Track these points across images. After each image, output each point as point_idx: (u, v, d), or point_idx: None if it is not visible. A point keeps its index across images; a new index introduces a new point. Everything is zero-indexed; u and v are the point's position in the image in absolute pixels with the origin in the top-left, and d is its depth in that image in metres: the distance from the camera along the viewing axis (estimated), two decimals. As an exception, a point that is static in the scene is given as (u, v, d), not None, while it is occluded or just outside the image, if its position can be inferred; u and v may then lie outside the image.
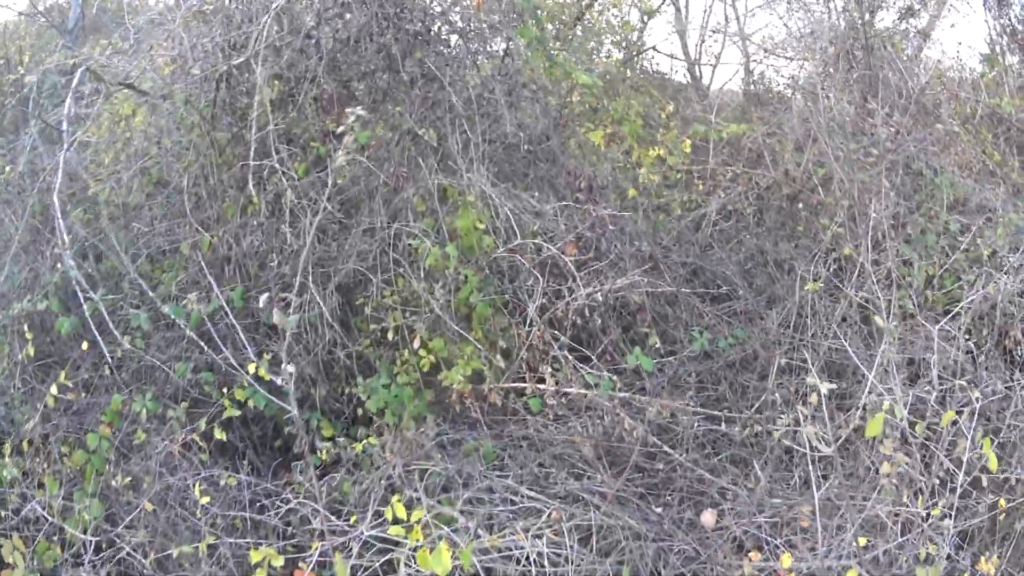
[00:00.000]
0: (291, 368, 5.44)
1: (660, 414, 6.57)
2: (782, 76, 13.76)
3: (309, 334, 7.10)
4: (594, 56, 13.65)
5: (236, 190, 7.53)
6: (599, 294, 6.71)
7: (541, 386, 6.72)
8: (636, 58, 13.75)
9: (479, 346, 6.96)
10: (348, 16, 7.44)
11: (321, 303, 6.97)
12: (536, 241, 7.09)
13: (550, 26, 12.32)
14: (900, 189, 8.36)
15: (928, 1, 12.93)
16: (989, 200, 8.76)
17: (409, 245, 7.17)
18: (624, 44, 13.89)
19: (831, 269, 7.95)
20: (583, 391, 6.63)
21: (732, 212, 9.35)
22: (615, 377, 6.83)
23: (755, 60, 14.36)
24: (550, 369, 6.78)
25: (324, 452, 6.55)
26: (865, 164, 8.43)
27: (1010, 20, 12.47)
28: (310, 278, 6.88)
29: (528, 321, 6.92)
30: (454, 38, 7.97)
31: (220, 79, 7.38)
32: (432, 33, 7.75)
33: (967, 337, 7.02)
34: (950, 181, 8.78)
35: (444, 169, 7.53)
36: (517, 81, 8.15)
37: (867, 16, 10.75)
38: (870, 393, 5.92)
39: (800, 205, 8.73)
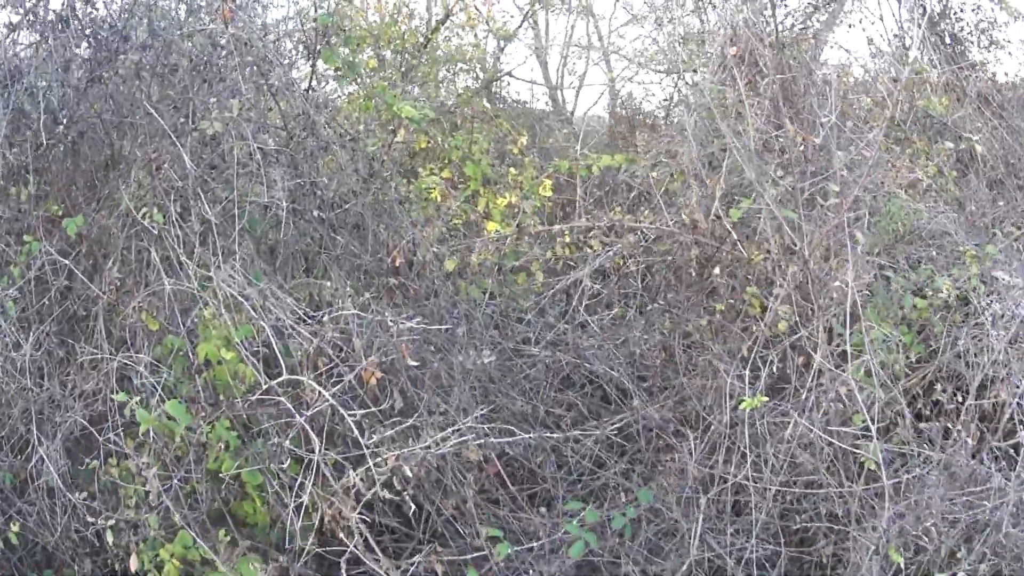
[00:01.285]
0: None
1: None
2: (653, 95, 12.09)
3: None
4: (443, 87, 11.60)
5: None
6: (406, 468, 3.94)
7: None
8: (492, 86, 11.77)
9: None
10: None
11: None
12: (302, 381, 4.31)
13: (389, 54, 10.55)
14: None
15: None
16: (942, 224, 6.85)
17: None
18: (478, 72, 11.89)
19: (774, 368, 5.59)
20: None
21: (612, 275, 6.79)
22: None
23: (624, 79, 12.72)
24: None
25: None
26: (790, 200, 6.01)
27: (924, 11, 10.70)
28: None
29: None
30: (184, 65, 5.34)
31: None
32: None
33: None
34: (899, 207, 6.66)
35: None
36: (309, 120, 5.85)
37: (775, 6, 8.29)
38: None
39: (717, 270, 6.04)
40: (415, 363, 4.76)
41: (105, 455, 4.87)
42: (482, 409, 4.81)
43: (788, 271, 5.71)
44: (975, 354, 5.71)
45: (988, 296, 6.02)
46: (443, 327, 5.15)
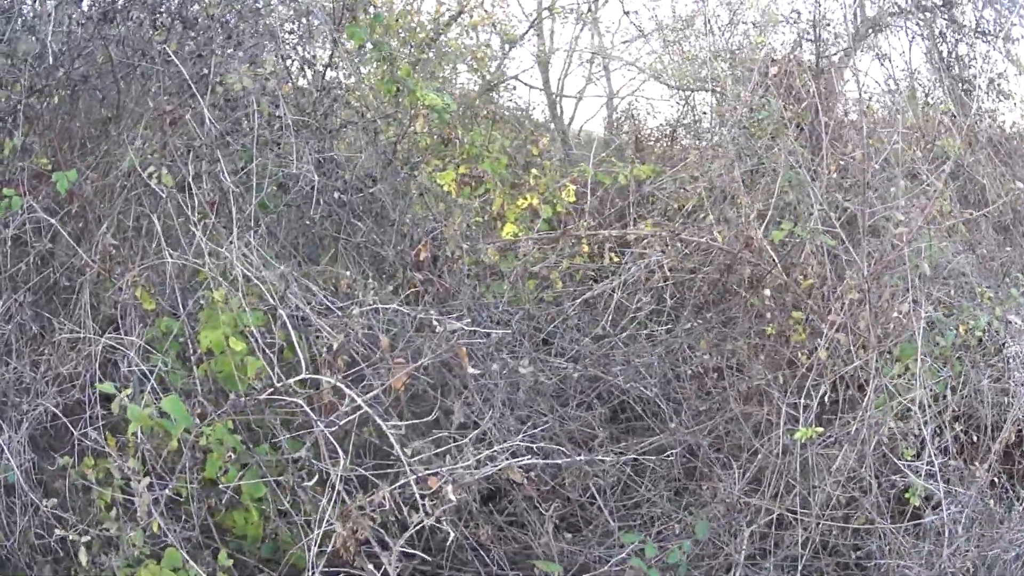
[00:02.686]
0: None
1: None
2: (659, 112, 11.80)
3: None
4: (448, 84, 10.96)
5: None
6: (450, 492, 3.22)
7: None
8: (495, 88, 11.18)
9: None
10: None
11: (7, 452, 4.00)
12: (326, 382, 3.57)
13: (395, 44, 9.62)
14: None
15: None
16: (960, 266, 6.58)
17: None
18: (484, 72, 11.31)
19: (826, 398, 5.23)
20: None
21: (641, 288, 6.03)
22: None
23: (626, 93, 12.24)
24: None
25: None
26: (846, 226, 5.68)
27: (941, 53, 10.59)
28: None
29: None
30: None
31: None
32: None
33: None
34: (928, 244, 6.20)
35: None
36: (331, 96, 5.25)
37: (820, 31, 7.83)
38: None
39: (767, 292, 5.46)
40: (477, 372, 4.02)
41: (79, 452, 4.04)
42: (527, 425, 4.10)
43: (847, 298, 5.33)
44: (994, 394, 5.61)
45: (1004, 338, 5.93)
46: (490, 330, 4.40)
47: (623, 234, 5.93)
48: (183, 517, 3.85)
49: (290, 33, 5.44)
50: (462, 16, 10.49)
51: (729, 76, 7.85)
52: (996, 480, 5.42)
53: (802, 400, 5.12)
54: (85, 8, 4.71)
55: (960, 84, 10.27)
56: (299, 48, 5.51)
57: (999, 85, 10.69)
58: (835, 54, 9.60)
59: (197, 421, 3.83)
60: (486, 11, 10.86)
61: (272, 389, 3.73)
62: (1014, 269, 7.33)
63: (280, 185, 4.72)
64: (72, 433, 4.04)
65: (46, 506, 3.86)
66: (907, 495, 5.01)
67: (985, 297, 6.05)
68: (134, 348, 4.06)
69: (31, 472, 4.11)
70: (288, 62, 5.34)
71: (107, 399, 3.98)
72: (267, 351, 3.85)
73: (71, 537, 3.74)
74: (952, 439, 5.44)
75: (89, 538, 3.75)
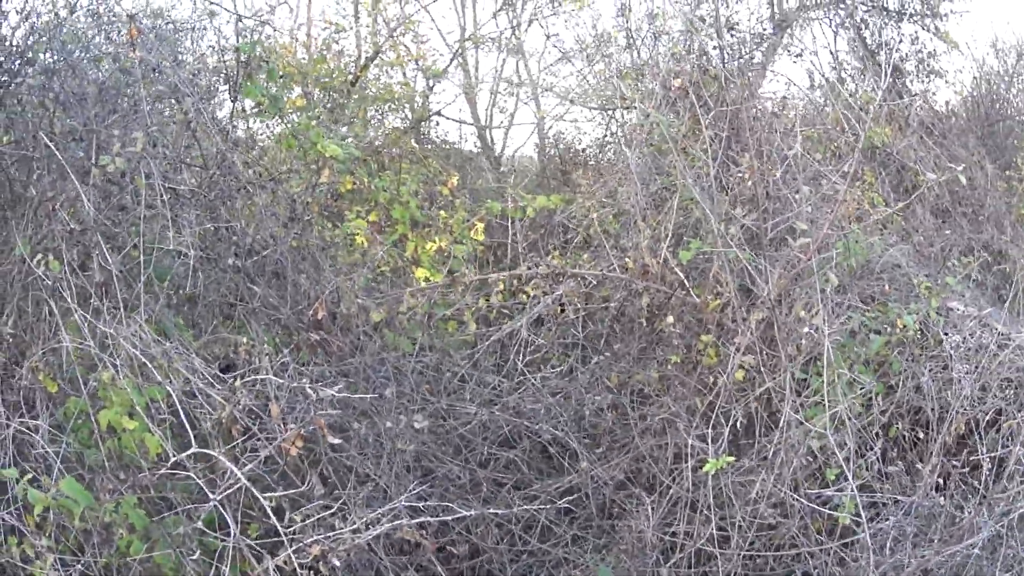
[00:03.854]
0: None
1: None
2: (585, 133, 11.57)
3: None
4: (372, 126, 10.81)
5: None
6: (333, 557, 3.33)
7: None
8: (421, 125, 11.18)
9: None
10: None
11: None
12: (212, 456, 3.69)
13: (318, 92, 9.89)
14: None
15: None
16: (894, 258, 6.49)
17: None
18: (408, 111, 11.35)
19: (737, 424, 5.05)
20: None
21: (551, 323, 6.04)
22: None
23: (555, 117, 12.11)
24: None
25: None
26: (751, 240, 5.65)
27: (863, 41, 10.78)
28: None
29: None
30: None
31: None
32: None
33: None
34: (854, 242, 6.24)
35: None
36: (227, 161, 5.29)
37: (723, 36, 7.89)
38: None
39: (670, 318, 5.41)
40: (336, 439, 4.10)
41: (5, 532, 4.09)
42: (417, 481, 4.20)
43: (752, 318, 5.24)
44: (937, 388, 5.40)
45: (945, 328, 5.72)
46: (369, 392, 4.49)
47: (511, 275, 5.90)
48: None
49: (187, 96, 5.51)
50: (382, 55, 10.56)
51: (637, 93, 7.79)
52: (944, 480, 5.18)
53: (709, 430, 4.91)
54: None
55: (888, 69, 10.26)
56: (189, 106, 5.57)
57: (929, 65, 10.93)
58: (746, 57, 9.71)
59: (108, 497, 3.96)
60: (407, 47, 10.95)
61: (169, 464, 3.85)
62: (955, 251, 7.42)
63: (178, 254, 4.82)
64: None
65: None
66: (836, 513, 4.83)
67: (923, 287, 6.04)
68: (41, 431, 4.17)
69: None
70: (187, 124, 5.42)
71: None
72: (165, 425, 3.97)
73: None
74: (892, 443, 5.45)
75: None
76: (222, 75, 6.05)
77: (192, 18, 6.59)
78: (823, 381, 5.05)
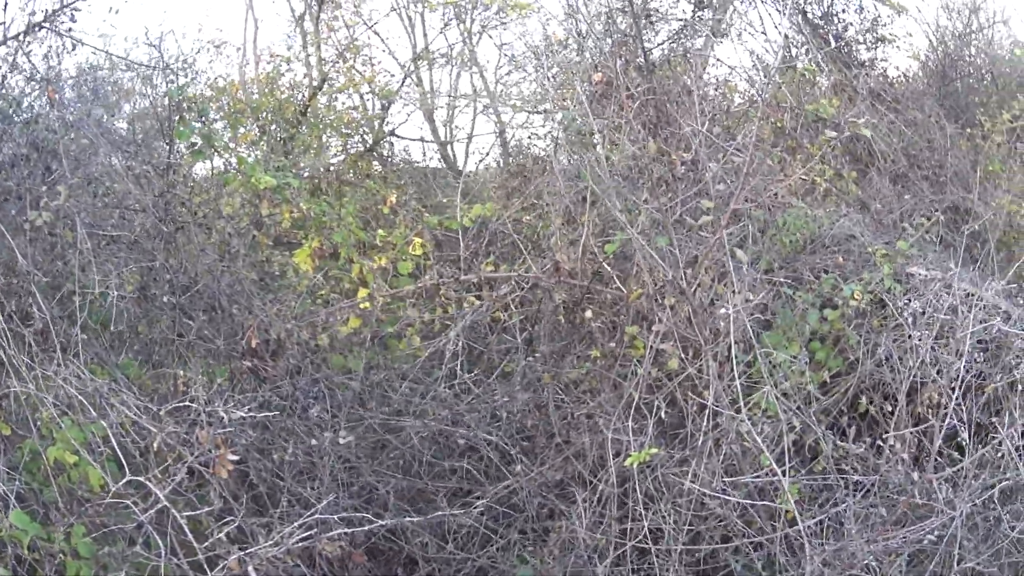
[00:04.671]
0: None
1: None
2: (540, 138, 11.45)
3: None
4: (330, 153, 11.21)
5: None
6: (251, 569, 3.63)
7: None
8: (378, 147, 11.26)
9: None
10: None
11: None
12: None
13: (272, 125, 10.13)
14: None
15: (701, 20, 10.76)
16: (846, 228, 6.56)
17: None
18: (363, 134, 11.50)
19: (662, 414, 5.00)
20: None
21: (492, 330, 6.22)
22: None
23: (513, 126, 12.25)
24: None
25: None
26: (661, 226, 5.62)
27: (805, 16, 10.74)
28: None
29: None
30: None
31: None
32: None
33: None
34: (794, 217, 6.37)
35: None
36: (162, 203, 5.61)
37: (641, 26, 7.98)
38: None
39: (588, 313, 5.61)
40: (235, 458, 4.37)
41: None
42: (350, 495, 4.47)
43: (667, 304, 5.25)
44: (899, 358, 5.28)
45: (906, 295, 5.60)
46: (273, 413, 4.74)
47: (419, 288, 6.09)
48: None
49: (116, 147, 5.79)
50: (327, 83, 10.79)
51: (568, 92, 7.91)
52: (911, 451, 4.98)
53: (630, 423, 4.88)
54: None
55: (829, 40, 10.47)
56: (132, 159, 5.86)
57: (876, 32, 10.92)
58: (670, 43, 9.78)
59: (59, 529, 4.28)
60: (358, 71, 11.21)
61: (110, 494, 4.17)
62: (916, 215, 7.27)
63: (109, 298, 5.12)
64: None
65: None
66: (779, 501, 4.63)
67: (879, 255, 5.97)
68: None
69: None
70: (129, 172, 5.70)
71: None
72: (104, 459, 4.29)
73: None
74: (858, 417, 5.34)
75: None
76: (156, 121, 6.35)
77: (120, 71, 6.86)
78: (746, 361, 5.01)
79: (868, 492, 4.76)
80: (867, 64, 10.53)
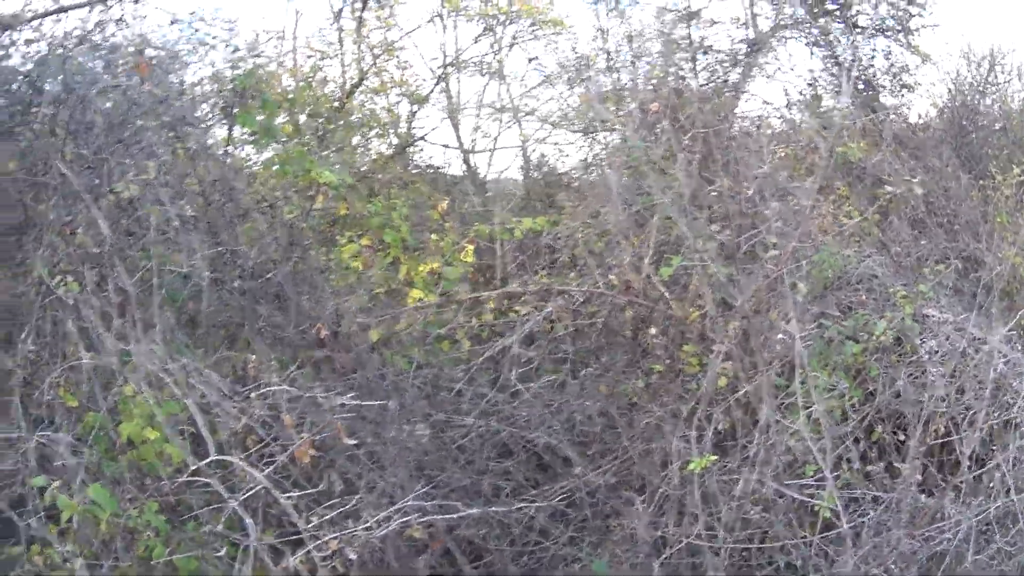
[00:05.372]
0: None
1: None
2: (568, 156, 11.57)
3: None
4: (358, 152, 11.01)
5: None
6: (349, 551, 3.66)
7: None
8: (406, 151, 11.20)
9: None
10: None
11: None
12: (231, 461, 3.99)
13: (304, 119, 9.87)
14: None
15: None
16: (870, 268, 6.65)
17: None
18: (392, 137, 11.34)
19: (718, 428, 5.33)
20: None
21: (542, 339, 6.34)
22: None
23: (537, 140, 11.93)
24: None
25: None
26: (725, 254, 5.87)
27: (835, 58, 10.98)
28: None
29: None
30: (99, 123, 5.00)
31: None
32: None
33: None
34: (829, 254, 6.51)
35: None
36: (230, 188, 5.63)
37: (695, 61, 8.08)
38: None
39: (653, 330, 5.73)
40: (352, 440, 4.44)
41: (28, 541, 4.44)
42: (421, 485, 4.52)
43: (728, 327, 5.54)
44: (914, 392, 5.58)
45: (921, 334, 5.91)
46: (376, 402, 4.82)
47: (502, 294, 6.19)
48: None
49: (189, 127, 5.80)
50: (366, 81, 10.78)
51: (617, 116, 8.01)
52: (920, 475, 5.33)
53: (693, 432, 5.21)
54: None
55: (850, 82, 10.43)
56: (196, 137, 5.86)
57: (902, 79, 11.13)
58: (720, 78, 9.92)
59: (128, 507, 4.30)
60: (390, 73, 11.12)
61: (189, 472, 4.19)
62: (931, 260, 7.49)
63: (186, 276, 5.15)
64: (18, 525, 4.42)
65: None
66: (817, 509, 5.02)
67: (899, 296, 6.21)
68: (63, 443, 4.49)
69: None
70: (186, 153, 5.71)
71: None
72: (179, 438, 4.31)
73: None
74: (873, 446, 5.63)
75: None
76: (217, 105, 6.36)
77: (187, 48, 6.85)
78: (798, 384, 5.22)
79: (887, 507, 5.10)
80: (892, 109, 10.64)
